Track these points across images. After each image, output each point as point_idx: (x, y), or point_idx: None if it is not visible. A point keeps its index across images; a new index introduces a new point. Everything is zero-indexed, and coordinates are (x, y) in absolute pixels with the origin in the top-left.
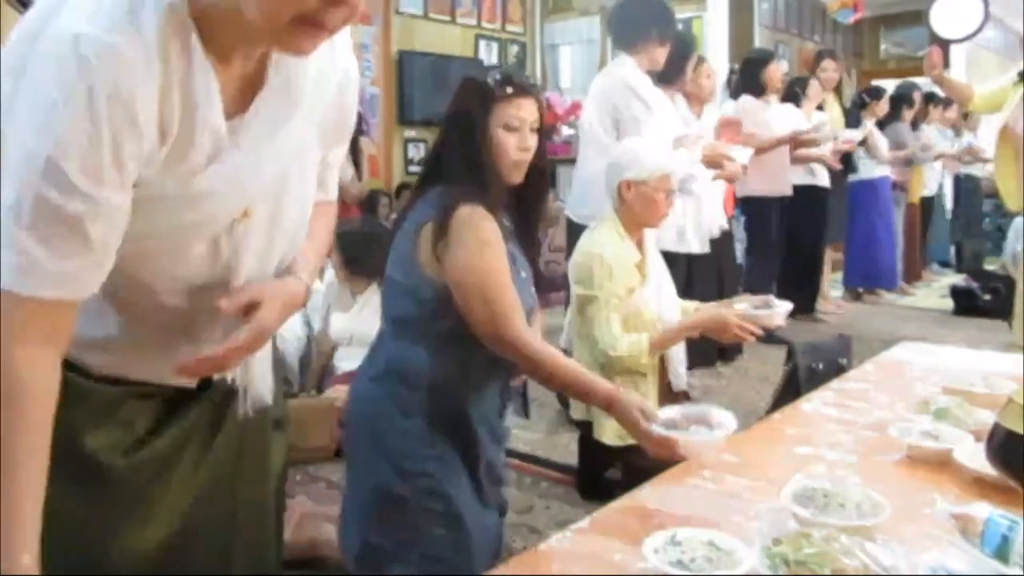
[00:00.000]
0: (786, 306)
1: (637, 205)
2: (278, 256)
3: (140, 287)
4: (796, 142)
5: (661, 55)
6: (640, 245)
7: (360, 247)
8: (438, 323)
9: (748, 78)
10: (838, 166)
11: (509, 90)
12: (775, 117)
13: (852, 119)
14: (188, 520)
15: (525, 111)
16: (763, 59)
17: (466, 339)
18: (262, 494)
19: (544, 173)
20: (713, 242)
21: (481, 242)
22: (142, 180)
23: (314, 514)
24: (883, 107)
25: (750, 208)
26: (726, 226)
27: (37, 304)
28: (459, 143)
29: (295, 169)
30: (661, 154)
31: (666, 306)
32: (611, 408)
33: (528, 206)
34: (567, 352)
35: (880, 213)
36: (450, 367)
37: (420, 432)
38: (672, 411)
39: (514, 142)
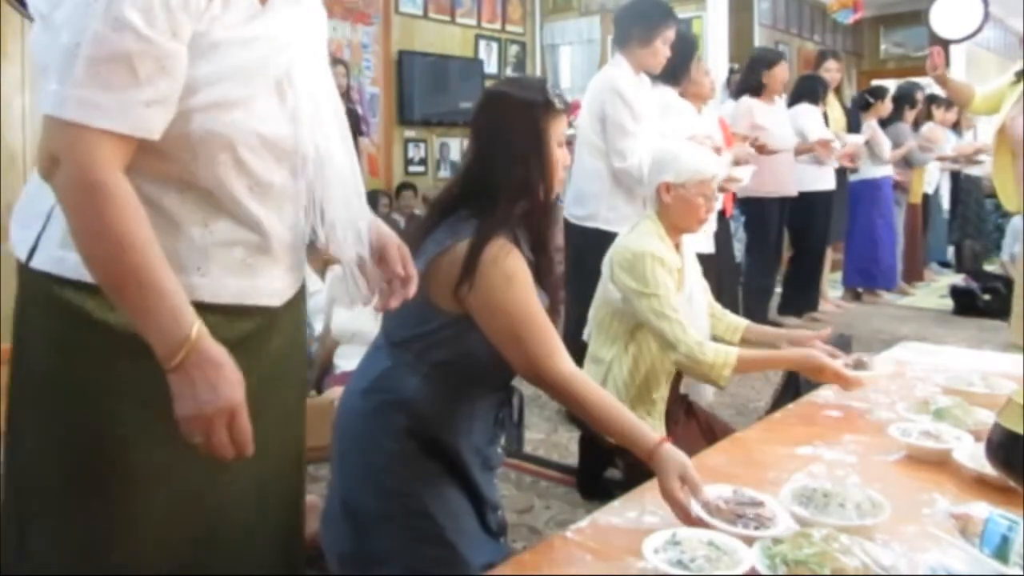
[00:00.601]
0: (883, 366)
1: (675, 208)
2: (339, 136)
3: (222, 142)
4: (761, 150)
5: (646, 56)
6: (678, 250)
7: None
8: (435, 352)
9: (751, 77)
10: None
11: (561, 105)
12: (778, 117)
13: (853, 119)
14: (268, 458)
15: (565, 125)
16: (770, 60)
17: (461, 372)
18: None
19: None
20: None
21: (506, 277)
22: (196, 32)
23: (319, 506)
24: (886, 107)
25: (750, 208)
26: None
27: (100, 135)
28: (516, 163)
29: (316, 47)
30: (700, 157)
31: (694, 319)
32: (650, 461)
33: (539, 228)
34: (584, 345)
35: (881, 213)
36: (439, 397)
37: (404, 454)
38: (722, 490)
39: (563, 158)
